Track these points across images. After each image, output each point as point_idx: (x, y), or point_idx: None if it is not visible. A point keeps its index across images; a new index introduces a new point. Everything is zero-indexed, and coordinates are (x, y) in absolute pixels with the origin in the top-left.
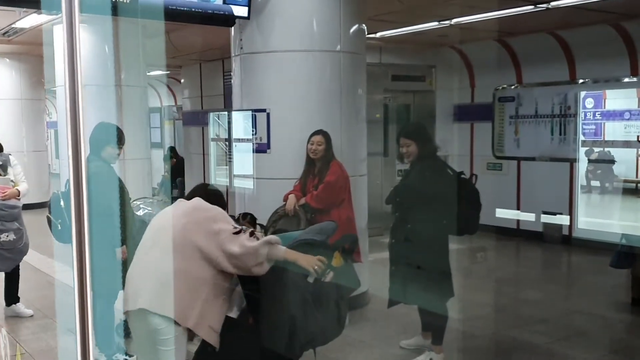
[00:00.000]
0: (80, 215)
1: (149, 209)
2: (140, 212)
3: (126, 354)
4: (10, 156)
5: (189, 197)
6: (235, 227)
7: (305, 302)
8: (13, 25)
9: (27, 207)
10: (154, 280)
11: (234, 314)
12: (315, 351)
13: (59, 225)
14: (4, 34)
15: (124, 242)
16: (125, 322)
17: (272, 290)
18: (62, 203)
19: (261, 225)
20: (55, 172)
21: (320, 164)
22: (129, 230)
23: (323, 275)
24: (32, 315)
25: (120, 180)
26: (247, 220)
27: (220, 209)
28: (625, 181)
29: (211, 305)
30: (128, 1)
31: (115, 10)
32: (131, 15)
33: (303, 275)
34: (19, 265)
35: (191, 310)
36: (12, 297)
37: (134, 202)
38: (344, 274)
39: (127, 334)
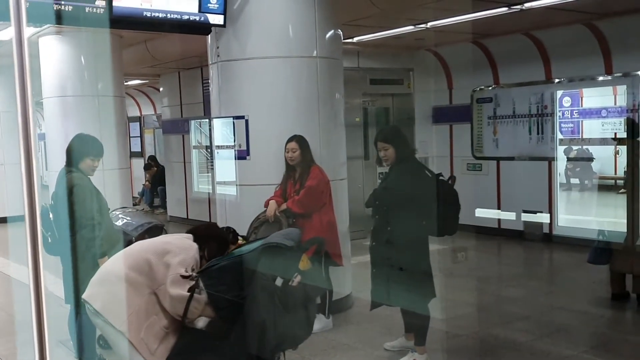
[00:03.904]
0: (34, 223)
1: (128, 218)
2: (119, 222)
3: None
4: None
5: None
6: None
7: (273, 306)
8: None
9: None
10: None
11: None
12: (285, 354)
13: (49, 238)
14: None
15: (105, 253)
16: None
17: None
18: (50, 216)
19: (243, 237)
20: (46, 184)
21: (300, 169)
22: (110, 241)
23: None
24: None
25: (98, 192)
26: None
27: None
28: (604, 178)
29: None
30: (102, 12)
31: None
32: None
33: (271, 279)
34: None
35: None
36: None
37: (113, 213)
38: (311, 277)
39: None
